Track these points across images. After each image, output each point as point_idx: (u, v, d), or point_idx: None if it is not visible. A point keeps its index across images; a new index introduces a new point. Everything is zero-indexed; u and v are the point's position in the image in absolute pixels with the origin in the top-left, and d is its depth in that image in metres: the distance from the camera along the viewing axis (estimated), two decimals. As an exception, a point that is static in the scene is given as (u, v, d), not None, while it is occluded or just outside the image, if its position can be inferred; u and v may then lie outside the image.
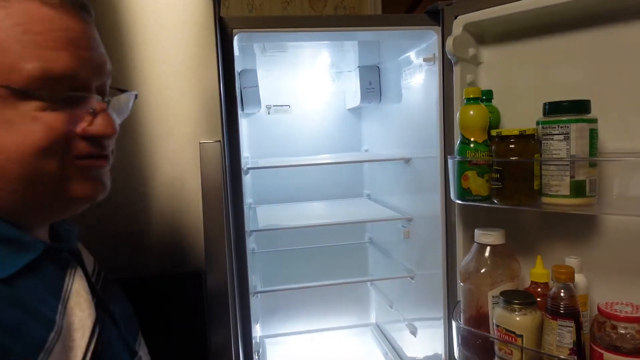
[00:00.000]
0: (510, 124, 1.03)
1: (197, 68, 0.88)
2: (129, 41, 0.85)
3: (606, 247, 0.94)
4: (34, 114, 0.45)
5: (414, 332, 1.33)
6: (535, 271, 0.95)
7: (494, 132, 0.93)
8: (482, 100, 0.97)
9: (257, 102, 1.44)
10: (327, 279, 1.38)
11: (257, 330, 1.67)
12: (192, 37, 0.87)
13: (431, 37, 1.08)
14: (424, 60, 1.12)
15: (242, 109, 1.46)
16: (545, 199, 0.90)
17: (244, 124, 1.62)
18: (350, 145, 1.73)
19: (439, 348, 1.16)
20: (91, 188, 0.51)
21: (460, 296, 1.06)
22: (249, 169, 1.25)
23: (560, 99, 0.89)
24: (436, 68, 1.07)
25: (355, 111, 1.72)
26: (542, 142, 0.89)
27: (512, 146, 0.91)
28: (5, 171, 0.44)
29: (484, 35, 1.04)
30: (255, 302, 1.58)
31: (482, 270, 0.98)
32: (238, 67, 1.40)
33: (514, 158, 0.90)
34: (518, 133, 0.89)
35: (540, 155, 0.89)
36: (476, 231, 1.00)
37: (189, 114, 0.88)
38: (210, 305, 0.88)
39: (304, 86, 1.67)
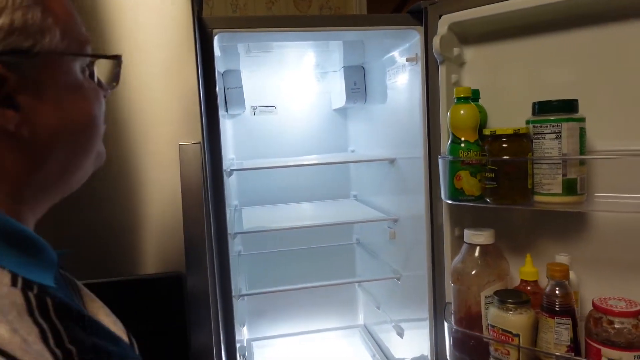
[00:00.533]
0: (497, 123, 1.03)
1: (175, 69, 0.87)
2: (105, 40, 0.84)
3: (595, 244, 0.95)
4: (90, 80, 0.46)
5: (400, 334, 1.32)
6: (525, 269, 0.96)
7: (487, 131, 0.93)
8: (472, 100, 0.97)
9: (242, 103, 1.43)
10: (314, 281, 1.37)
11: (244, 334, 1.66)
12: (170, 37, 0.86)
13: (414, 37, 1.08)
14: (407, 60, 1.11)
15: (227, 110, 1.45)
16: (537, 198, 0.90)
17: (229, 125, 1.61)
18: (336, 146, 1.72)
19: (426, 349, 1.15)
20: (104, 151, 0.51)
21: (450, 297, 1.06)
22: (232, 170, 1.24)
23: (546, 98, 0.90)
24: (419, 68, 1.07)
25: (341, 111, 1.72)
26: (534, 141, 0.90)
27: (507, 145, 0.91)
28: (81, 134, 0.44)
29: (467, 35, 1.04)
30: (241, 305, 1.56)
31: (474, 271, 0.98)
32: (221, 68, 1.39)
33: (508, 157, 0.90)
34: (512, 132, 0.90)
35: (532, 154, 0.90)
36: (466, 231, 1.00)
37: (168, 115, 0.87)
38: (191, 307, 0.86)
39: (290, 87, 1.66)
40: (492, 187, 0.93)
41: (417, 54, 1.08)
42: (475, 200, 0.96)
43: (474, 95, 1.01)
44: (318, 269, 1.69)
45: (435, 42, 0.99)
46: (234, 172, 1.27)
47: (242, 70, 1.55)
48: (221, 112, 1.41)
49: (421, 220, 1.12)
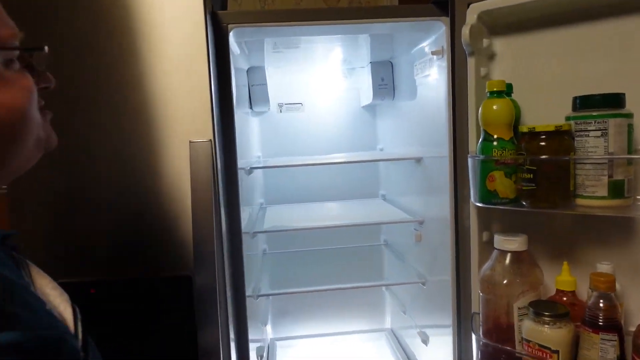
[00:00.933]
0: (531, 120, 0.96)
1: (186, 65, 0.86)
2: (119, 39, 0.84)
3: None
4: (20, 72, 0.47)
5: (425, 341, 1.26)
6: (562, 279, 0.89)
7: (525, 128, 0.86)
8: (506, 95, 0.90)
9: (266, 100, 1.41)
10: (341, 282, 1.34)
11: (267, 332, 1.65)
12: (181, 33, 0.85)
13: (439, 29, 1.02)
14: (432, 53, 1.05)
15: (251, 107, 1.44)
16: (580, 201, 0.83)
17: (255, 123, 1.60)
18: (365, 143, 1.67)
19: (450, 359, 1.09)
20: (54, 136, 0.53)
21: (477, 307, 1.00)
22: (252, 168, 1.22)
23: (585, 92, 0.83)
24: (445, 62, 1.01)
25: (370, 108, 1.67)
26: (576, 139, 0.83)
27: (547, 143, 0.83)
28: (13, 126, 0.45)
29: (496, 25, 0.97)
30: (264, 304, 1.55)
31: (505, 280, 0.91)
32: (245, 65, 1.37)
33: (548, 156, 0.83)
34: (554, 129, 0.82)
35: (574, 153, 0.82)
36: (497, 236, 0.93)
37: (179, 112, 0.86)
38: (199, 307, 0.85)
39: (317, 83, 1.63)
40: (530, 189, 0.85)
41: (443, 47, 1.02)
42: (510, 204, 0.89)
43: (508, 90, 0.93)
44: (345, 269, 1.65)
45: (465, 32, 0.92)
46: (255, 170, 1.25)
47: (269, 67, 1.53)
48: (246, 109, 1.41)
49: (447, 223, 1.06)
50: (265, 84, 1.40)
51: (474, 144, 0.96)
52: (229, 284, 0.95)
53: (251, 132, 1.48)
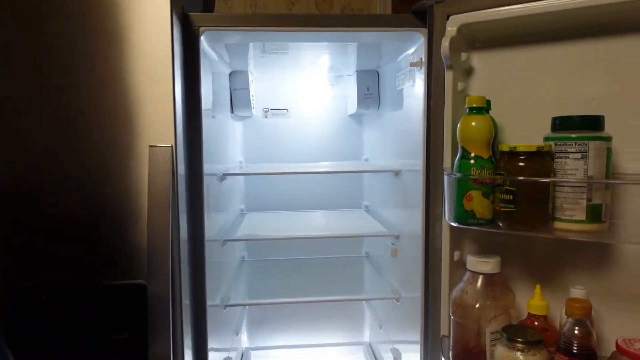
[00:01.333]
0: (507, 139, 0.93)
1: (151, 67, 0.83)
2: (84, 38, 0.82)
3: (615, 276, 0.86)
4: None
5: (397, 359, 1.22)
6: (534, 303, 0.86)
7: (505, 147, 0.82)
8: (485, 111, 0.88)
9: (247, 104, 1.39)
10: (320, 292, 1.31)
11: (242, 341, 1.62)
12: (148, 35, 0.83)
13: (418, 40, 0.99)
14: (411, 64, 1.02)
15: (232, 111, 1.41)
16: (558, 224, 0.81)
17: (238, 127, 1.57)
18: (350, 153, 1.65)
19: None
20: None
21: (446, 329, 0.96)
22: (224, 175, 1.19)
23: (562, 113, 0.81)
24: (423, 74, 0.98)
25: (357, 118, 1.64)
26: (555, 160, 0.80)
27: (528, 164, 0.81)
28: None
29: (474, 40, 0.94)
30: (238, 313, 1.52)
31: (477, 304, 0.88)
32: (226, 69, 1.35)
33: (531, 178, 0.80)
34: (536, 149, 0.80)
35: (554, 175, 0.80)
36: (470, 258, 0.90)
37: (141, 116, 0.83)
38: (152, 316, 0.82)
39: (304, 90, 1.61)
40: (508, 210, 0.82)
41: (421, 58, 0.99)
42: (487, 225, 0.86)
43: (487, 106, 0.90)
44: (326, 280, 1.61)
45: (444, 44, 0.90)
46: (235, 176, 1.22)
47: (255, 72, 1.52)
48: (227, 113, 1.39)
49: (419, 240, 1.03)
50: (248, 89, 1.37)
51: (449, 160, 0.93)
52: (188, 293, 0.92)
53: (232, 137, 1.46)
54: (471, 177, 0.85)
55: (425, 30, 0.95)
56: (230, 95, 1.39)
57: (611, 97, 0.84)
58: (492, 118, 0.90)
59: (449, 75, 0.93)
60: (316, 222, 1.46)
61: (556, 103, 0.88)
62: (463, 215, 0.86)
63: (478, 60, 0.95)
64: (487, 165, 0.84)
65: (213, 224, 1.08)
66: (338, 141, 1.64)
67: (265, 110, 1.60)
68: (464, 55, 0.94)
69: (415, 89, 1.06)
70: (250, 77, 1.41)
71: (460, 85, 0.94)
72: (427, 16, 0.94)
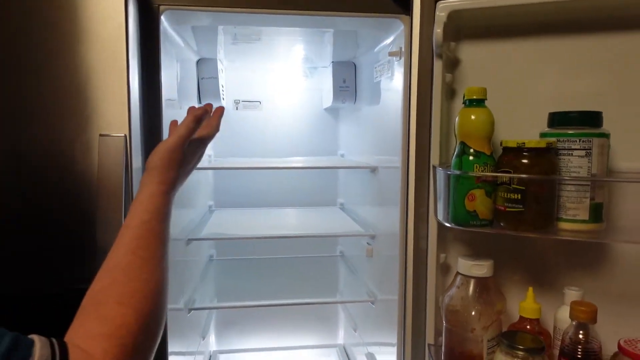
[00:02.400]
0: (501, 135, 0.88)
1: (104, 50, 0.74)
2: (28, 15, 0.72)
3: (611, 276, 0.84)
4: None
5: (371, 364, 1.17)
6: (526, 305, 0.82)
7: (512, 143, 0.77)
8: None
9: (216, 94, 1.30)
10: (293, 293, 1.25)
11: (210, 344, 1.54)
12: (101, 12, 0.74)
13: (398, 28, 0.93)
14: (390, 54, 0.96)
15: (200, 102, 1.32)
16: (562, 224, 0.77)
17: (208, 119, 1.48)
18: (325, 148, 1.58)
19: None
20: None
21: (431, 337, 0.91)
22: (188, 169, 1.11)
23: (558, 109, 0.78)
24: (402, 64, 0.92)
25: (333, 112, 1.58)
26: (558, 157, 0.77)
27: (537, 161, 0.75)
28: None
29: (461, 29, 0.88)
30: (205, 315, 1.44)
31: (473, 309, 0.83)
32: (193, 56, 1.26)
33: (544, 176, 0.75)
34: (545, 145, 0.75)
35: (559, 173, 0.76)
36: (462, 261, 0.84)
37: (92, 102, 0.74)
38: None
39: (277, 81, 1.53)
40: (516, 210, 0.76)
41: (401, 48, 0.93)
42: (488, 226, 0.80)
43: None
44: (299, 279, 1.55)
45: (437, 31, 0.82)
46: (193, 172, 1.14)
47: (225, 61, 1.43)
48: (194, 103, 1.30)
49: (396, 240, 0.97)
50: (217, 78, 1.29)
51: (437, 156, 0.87)
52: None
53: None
54: (474, 174, 0.78)
55: (407, 18, 0.89)
56: (197, 84, 1.30)
57: (603, 94, 0.81)
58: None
59: (438, 66, 0.86)
60: (289, 220, 1.39)
61: (548, 98, 0.85)
62: (464, 215, 0.80)
63: (465, 50, 0.89)
64: (490, 162, 0.79)
65: (175, 222, 0.99)
66: (313, 136, 1.57)
67: (237, 102, 1.52)
68: (452, 45, 0.88)
69: (394, 81, 1.00)
70: (220, 66, 1.32)
71: (448, 77, 0.88)
72: (409, 1, 0.88)
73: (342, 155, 1.56)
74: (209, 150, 1.49)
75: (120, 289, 0.50)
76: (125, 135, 0.75)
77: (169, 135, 0.69)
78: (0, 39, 0.72)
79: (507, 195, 0.77)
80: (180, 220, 1.07)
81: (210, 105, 0.75)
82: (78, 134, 0.74)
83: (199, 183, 1.30)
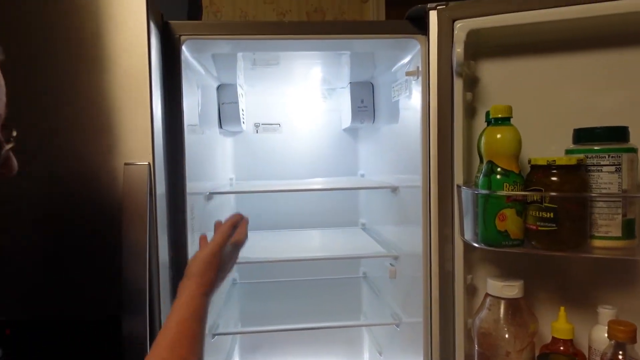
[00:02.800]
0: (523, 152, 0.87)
1: (128, 80, 0.76)
2: (54, 45, 0.76)
3: None
4: None
5: (399, 389, 1.14)
6: (559, 326, 0.81)
7: (541, 161, 0.76)
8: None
9: (237, 118, 1.32)
10: (317, 315, 1.24)
11: (234, 370, 1.53)
12: (125, 44, 0.76)
13: (414, 48, 0.93)
14: (407, 74, 0.96)
15: (221, 126, 1.35)
16: (594, 242, 0.76)
17: (229, 143, 1.51)
18: (345, 168, 1.58)
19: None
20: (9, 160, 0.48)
21: None
22: (212, 194, 1.12)
23: (580, 125, 0.78)
24: (420, 84, 0.92)
25: (352, 132, 1.58)
26: (588, 174, 0.76)
27: (567, 179, 0.74)
28: None
29: (480, 47, 0.88)
30: (229, 340, 1.43)
31: (507, 332, 0.81)
32: (213, 82, 1.29)
33: (577, 193, 0.75)
34: (576, 162, 0.74)
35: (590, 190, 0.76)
36: (492, 282, 0.83)
37: (116, 131, 0.76)
38: (128, 354, 0.74)
39: (296, 104, 1.54)
40: (549, 229, 0.75)
41: (418, 67, 0.93)
42: (520, 245, 0.79)
43: None
44: (322, 302, 1.54)
45: (458, 50, 0.82)
46: (214, 196, 1.15)
47: (245, 85, 1.45)
48: (215, 129, 1.32)
49: (419, 260, 0.95)
50: (237, 102, 1.31)
51: (462, 175, 0.86)
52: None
53: (222, 153, 1.39)
54: (504, 193, 0.77)
55: (424, 38, 0.90)
56: (218, 109, 1.32)
57: (626, 109, 0.81)
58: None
59: (458, 84, 0.86)
60: (311, 242, 1.38)
61: (569, 114, 0.84)
62: (495, 236, 0.78)
63: (484, 68, 0.89)
64: (519, 180, 0.78)
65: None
66: (332, 156, 1.58)
67: (257, 125, 1.54)
68: (472, 64, 0.88)
69: (412, 100, 1.00)
70: (240, 91, 1.35)
71: (468, 96, 0.88)
72: (425, 21, 0.88)
73: (363, 175, 1.55)
74: (231, 173, 1.51)
75: None
76: (149, 163, 0.76)
77: (200, 246, 0.77)
78: (28, 69, 0.75)
79: (539, 214, 0.76)
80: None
81: (239, 214, 0.83)
82: (103, 162, 0.76)
83: (222, 206, 1.31)
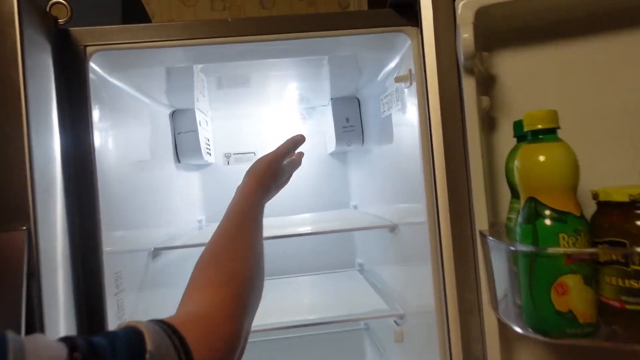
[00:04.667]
0: None
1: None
2: None
3: None
4: None
5: None
6: None
7: (621, 195, 0.48)
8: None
9: (197, 150, 1.09)
10: None
11: None
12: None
13: (403, 45, 0.70)
14: (396, 80, 0.73)
15: (179, 160, 1.11)
16: None
17: (196, 178, 1.28)
18: (336, 199, 1.34)
19: None
20: None
21: None
22: (156, 249, 0.88)
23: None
24: (415, 90, 0.69)
25: (340, 156, 1.34)
26: None
27: None
28: None
29: (493, 34, 0.65)
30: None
31: None
32: (164, 109, 1.07)
33: None
34: None
35: None
36: None
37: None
38: None
39: (272, 128, 1.31)
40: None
41: (410, 70, 0.70)
42: (596, 332, 0.50)
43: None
44: (322, 357, 1.28)
45: (465, 37, 0.58)
46: (163, 253, 0.91)
47: (211, 111, 1.23)
48: (171, 163, 1.09)
49: (432, 319, 0.70)
50: (196, 131, 1.08)
51: (484, 219, 0.60)
52: None
53: (182, 191, 1.15)
54: (567, 251, 0.48)
55: (415, 30, 0.67)
56: (174, 140, 1.09)
57: None
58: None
59: (469, 85, 0.61)
60: (303, 298, 1.13)
61: (630, 114, 0.59)
62: (554, 320, 0.50)
63: (500, 63, 0.65)
64: (582, 227, 0.49)
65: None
66: (319, 186, 1.34)
67: (227, 156, 1.31)
68: (485, 55, 0.64)
69: (407, 113, 0.77)
70: (200, 117, 1.12)
71: (485, 100, 0.63)
72: (415, 8, 0.65)
73: (355, 207, 1.31)
74: (200, 214, 1.28)
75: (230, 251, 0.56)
76: (26, 228, 0.52)
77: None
78: None
79: (624, 283, 0.48)
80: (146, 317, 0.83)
81: (302, 135, 0.77)
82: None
83: (184, 261, 1.07)
